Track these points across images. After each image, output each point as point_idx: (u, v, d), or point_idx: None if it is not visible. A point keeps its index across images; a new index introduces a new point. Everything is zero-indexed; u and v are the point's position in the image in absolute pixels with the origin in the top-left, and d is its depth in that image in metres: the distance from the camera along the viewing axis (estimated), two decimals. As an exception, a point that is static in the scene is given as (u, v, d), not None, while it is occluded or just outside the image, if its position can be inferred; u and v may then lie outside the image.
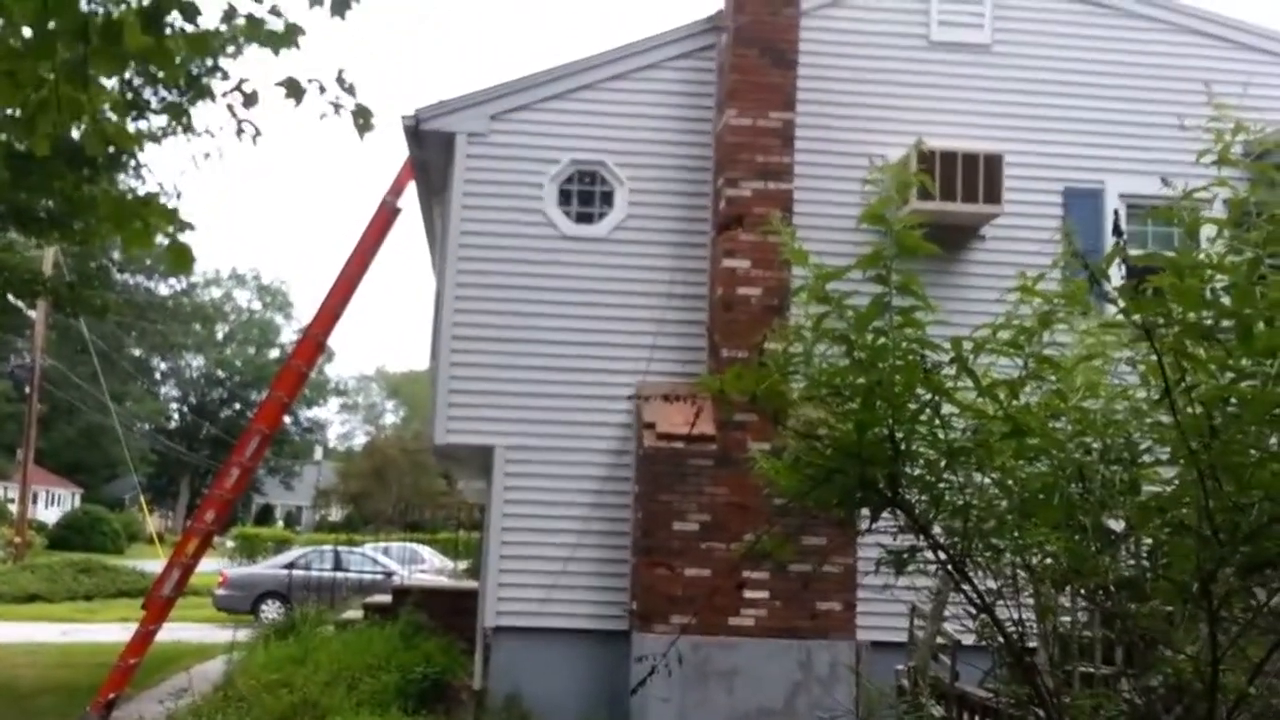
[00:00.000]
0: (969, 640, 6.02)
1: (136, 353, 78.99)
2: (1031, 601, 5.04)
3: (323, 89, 7.20)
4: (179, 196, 18.12)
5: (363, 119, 7.28)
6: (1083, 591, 4.93)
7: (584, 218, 13.41)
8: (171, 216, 6.24)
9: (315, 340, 16.04)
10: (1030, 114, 13.68)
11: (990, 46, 13.83)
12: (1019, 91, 13.73)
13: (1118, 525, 4.59)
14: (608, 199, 13.42)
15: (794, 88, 12.95)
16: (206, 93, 12.79)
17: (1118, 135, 13.66)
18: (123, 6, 5.94)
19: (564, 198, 13.43)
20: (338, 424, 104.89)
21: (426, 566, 29.88)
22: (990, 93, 13.69)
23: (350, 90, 7.28)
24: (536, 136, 13.43)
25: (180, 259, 6.10)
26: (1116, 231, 4.12)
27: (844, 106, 13.49)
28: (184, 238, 6.39)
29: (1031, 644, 5.11)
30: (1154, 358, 3.60)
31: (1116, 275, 3.99)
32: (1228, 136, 4.10)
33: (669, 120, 13.56)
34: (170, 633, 17.92)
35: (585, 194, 13.48)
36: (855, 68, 13.64)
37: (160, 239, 6.32)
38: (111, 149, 12.07)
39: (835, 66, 13.58)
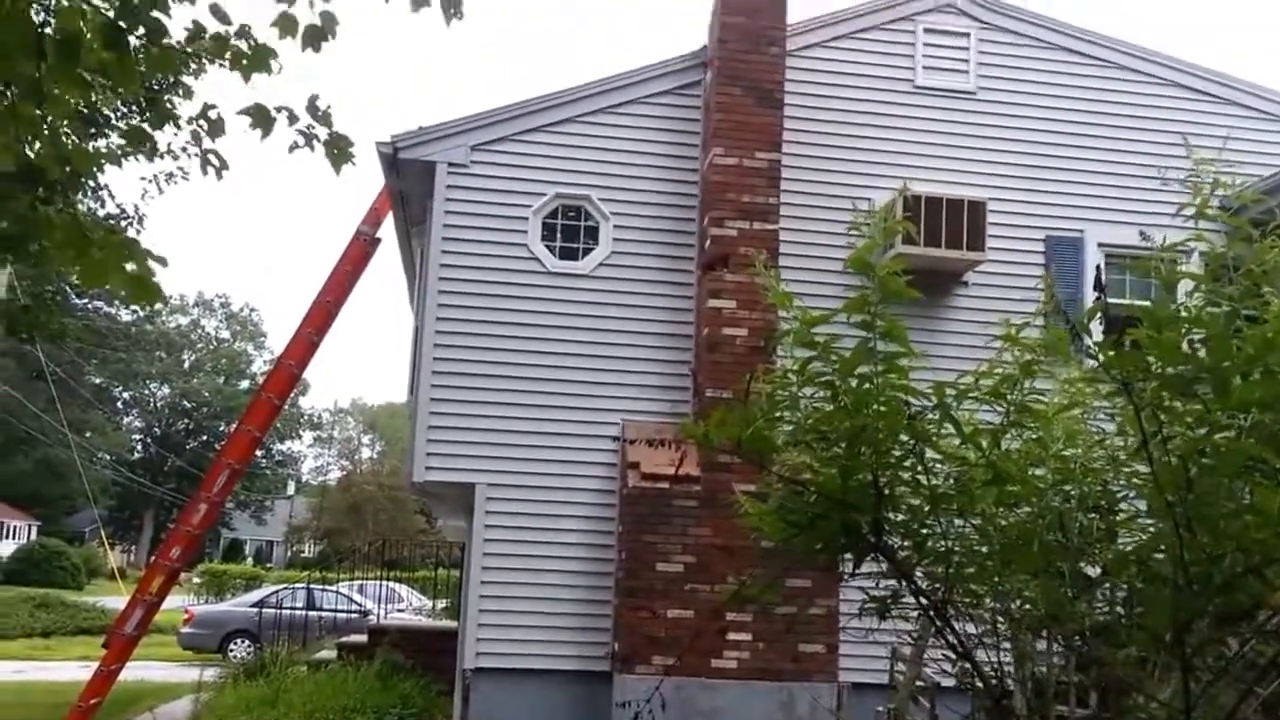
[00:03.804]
0: (948, 683, 6.05)
1: (97, 381, 77.07)
2: (1010, 646, 5.09)
3: (294, 118, 6.63)
4: (141, 220, 17.74)
5: (338, 149, 6.72)
6: (1059, 637, 4.97)
7: (568, 253, 13.38)
8: (130, 253, 5.67)
9: (288, 372, 15.83)
10: (1013, 161, 13.81)
11: (975, 93, 13.96)
12: (1002, 139, 13.86)
13: (1094, 572, 4.64)
14: (592, 234, 13.42)
15: (780, 127, 13.02)
16: (170, 117, 12.46)
17: (1099, 185, 13.82)
18: (81, 23, 5.65)
19: (548, 232, 13.41)
20: (311, 458, 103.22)
21: (404, 605, 29.64)
22: (974, 139, 13.81)
23: (325, 119, 6.69)
24: (519, 169, 13.39)
25: (142, 291, 5.59)
26: (1098, 286, 4.20)
27: (830, 148, 13.58)
28: (158, 270, 5.90)
29: (1009, 688, 5.15)
30: (1132, 410, 3.66)
31: (1097, 329, 4.05)
32: (1206, 190, 4.17)
33: (655, 156, 13.58)
34: (133, 671, 17.58)
35: (569, 229, 13.46)
36: (842, 109, 13.75)
37: (120, 272, 5.74)
38: (69, 168, 11.79)
39: (822, 107, 13.68)
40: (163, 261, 6.13)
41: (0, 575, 48.27)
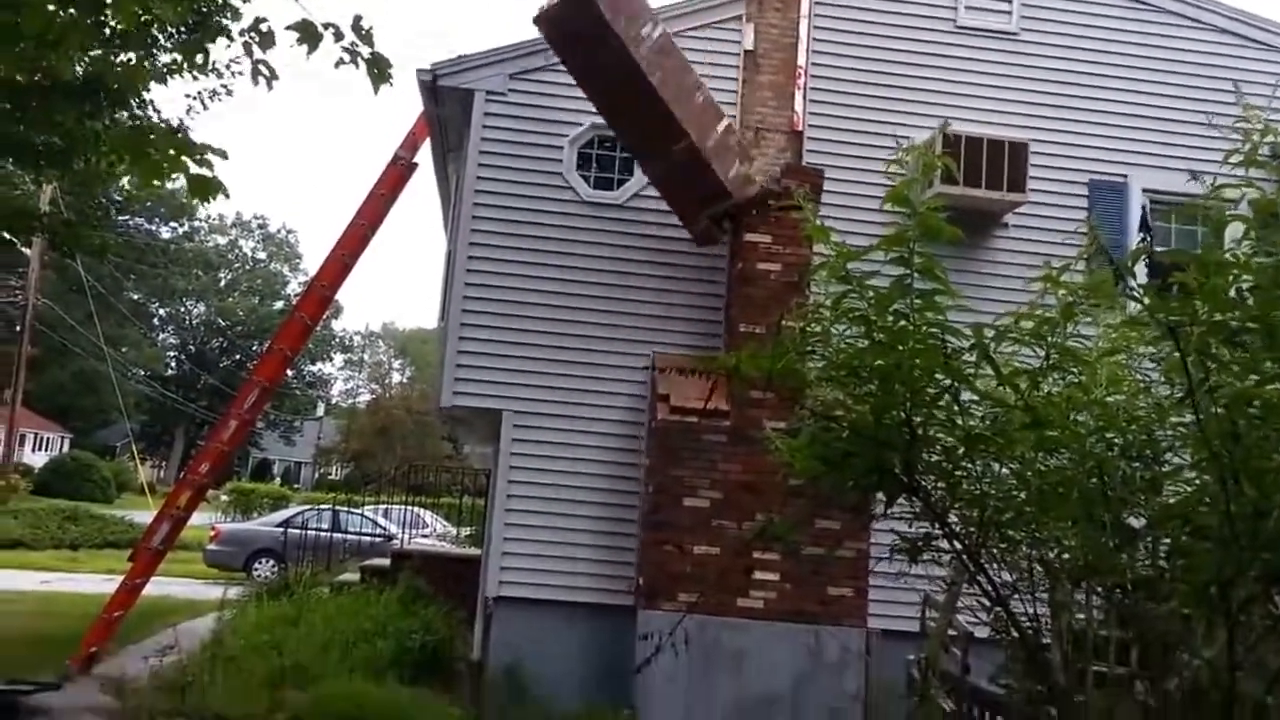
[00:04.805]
0: (982, 633, 5.97)
1: (135, 297, 77.03)
2: (1046, 596, 4.99)
3: (339, 35, 6.80)
4: (187, 134, 17.74)
5: (378, 69, 6.93)
6: (1099, 589, 4.88)
7: (603, 183, 13.26)
8: (186, 147, 5.83)
9: (321, 293, 15.84)
10: (1056, 104, 13.57)
11: (1017, 34, 13.71)
12: (1046, 80, 13.62)
13: (1137, 522, 4.53)
14: (628, 165, 13.25)
15: (682, 63, 12.09)
16: (223, 32, 12.48)
17: (1144, 130, 13.54)
18: None
19: (583, 162, 13.30)
20: (342, 380, 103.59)
21: (429, 531, 29.75)
22: (1017, 80, 13.58)
23: (367, 38, 6.89)
24: (557, 98, 13.26)
25: (202, 187, 5.71)
26: (1143, 227, 4.08)
27: (870, 86, 13.40)
28: (218, 164, 6.01)
29: (1045, 640, 5.06)
30: (1177, 356, 3.55)
31: (1141, 272, 3.93)
32: (1256, 138, 4.04)
33: (693, 89, 13.38)
34: (158, 587, 17.59)
35: (605, 159, 13.34)
36: (881, 48, 13.55)
37: (178, 171, 5.88)
38: (115, 85, 11.81)
39: (862, 44, 13.50)
40: (223, 154, 6.19)
41: (31, 486, 48.64)
